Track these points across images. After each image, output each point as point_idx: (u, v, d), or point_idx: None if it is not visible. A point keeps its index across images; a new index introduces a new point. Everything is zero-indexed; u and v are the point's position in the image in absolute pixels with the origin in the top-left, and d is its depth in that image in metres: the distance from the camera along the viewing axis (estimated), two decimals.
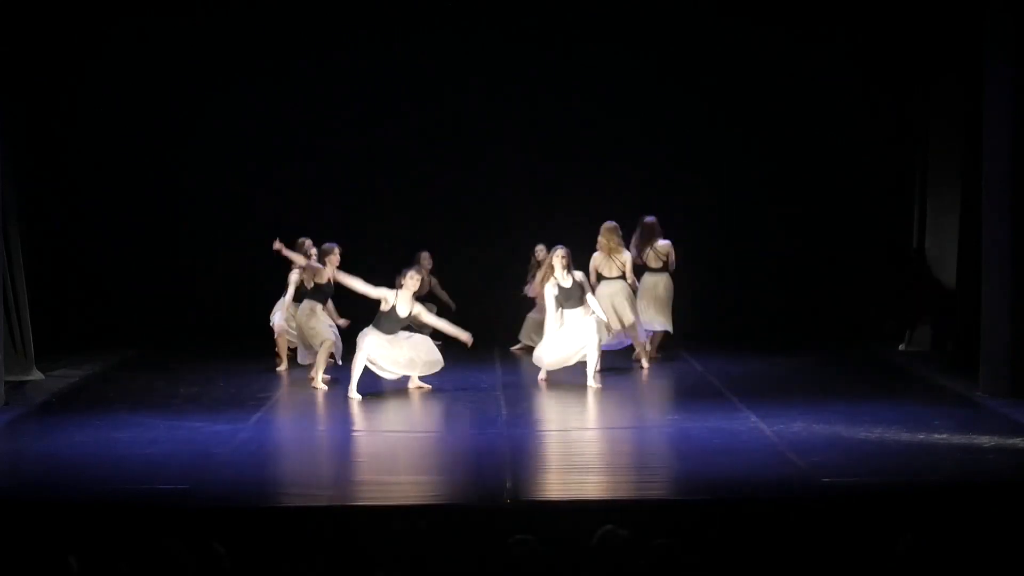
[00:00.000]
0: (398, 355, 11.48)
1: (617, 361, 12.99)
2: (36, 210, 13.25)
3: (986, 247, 11.36)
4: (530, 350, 12.75)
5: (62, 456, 9.20)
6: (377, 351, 11.36)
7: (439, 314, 12.69)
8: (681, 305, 13.22)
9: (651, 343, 13.17)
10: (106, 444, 9.55)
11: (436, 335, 12.14)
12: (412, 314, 11.43)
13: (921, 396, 11.53)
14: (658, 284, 13.08)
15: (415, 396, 11.80)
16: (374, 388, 11.63)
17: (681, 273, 13.20)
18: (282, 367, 12.70)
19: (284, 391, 11.99)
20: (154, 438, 9.74)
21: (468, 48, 14.48)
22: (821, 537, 7.53)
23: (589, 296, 11.92)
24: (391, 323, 11.35)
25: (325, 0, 14.41)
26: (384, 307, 11.33)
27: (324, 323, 11.94)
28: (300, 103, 14.59)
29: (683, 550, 6.58)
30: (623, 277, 12.61)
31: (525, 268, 13.58)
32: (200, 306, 14.48)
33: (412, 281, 11.33)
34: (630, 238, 12.98)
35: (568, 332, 11.81)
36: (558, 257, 11.74)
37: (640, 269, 13.07)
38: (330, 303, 12.24)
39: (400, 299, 11.31)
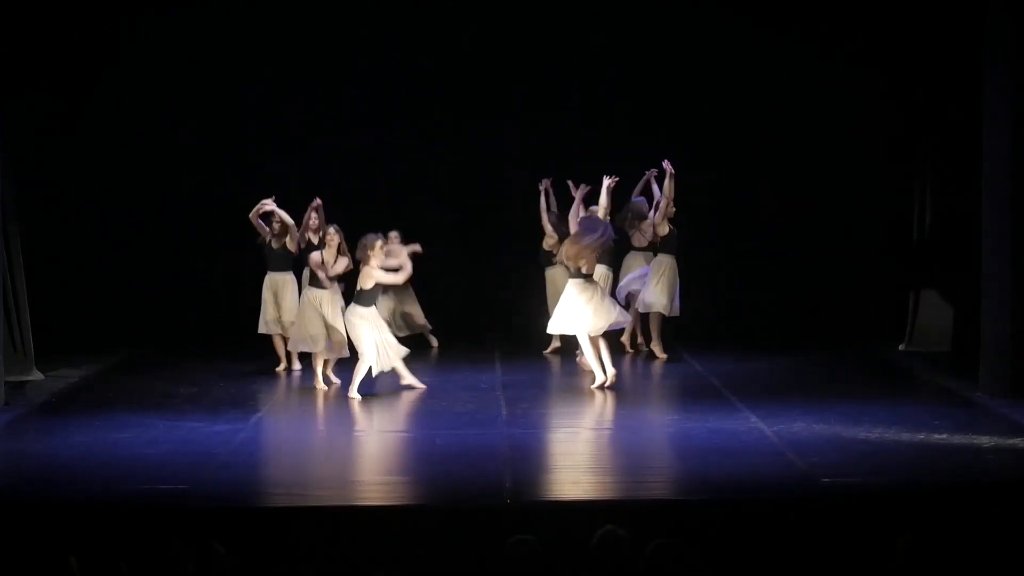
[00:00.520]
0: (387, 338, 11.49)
1: (617, 361, 12.99)
2: (36, 210, 13.23)
3: (986, 247, 11.36)
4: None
5: (62, 456, 9.20)
6: (375, 341, 11.36)
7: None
8: (682, 305, 13.24)
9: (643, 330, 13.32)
10: (106, 444, 9.55)
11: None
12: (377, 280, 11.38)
13: (921, 396, 11.54)
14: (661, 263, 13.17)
15: (415, 396, 11.80)
16: (374, 388, 11.62)
17: (682, 273, 13.22)
18: (281, 367, 12.68)
19: (284, 391, 11.98)
20: (154, 438, 9.74)
21: (467, 45, 14.50)
22: (821, 537, 7.53)
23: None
24: (375, 296, 11.40)
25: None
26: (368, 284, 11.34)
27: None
28: (299, 102, 14.59)
29: (683, 550, 6.58)
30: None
31: (524, 269, 13.58)
32: (200, 306, 14.48)
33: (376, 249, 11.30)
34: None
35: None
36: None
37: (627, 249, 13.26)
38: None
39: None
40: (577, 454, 9.66)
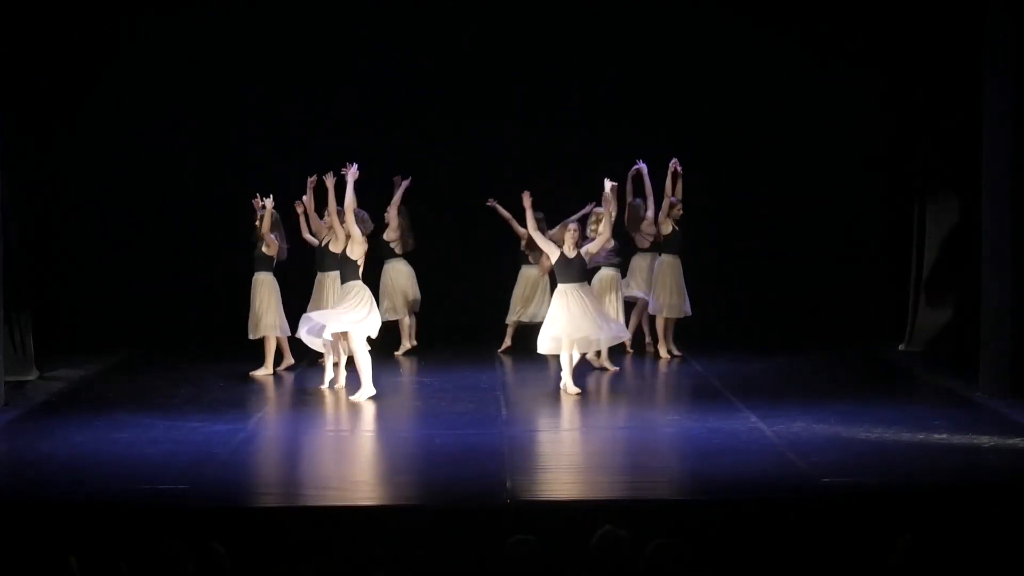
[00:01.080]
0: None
1: (618, 361, 13.02)
2: (36, 210, 13.23)
3: (986, 247, 11.36)
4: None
5: (62, 456, 9.20)
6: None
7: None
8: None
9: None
10: (106, 444, 9.55)
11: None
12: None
13: (921, 396, 11.54)
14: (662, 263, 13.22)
15: (415, 396, 11.81)
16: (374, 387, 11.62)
17: (685, 272, 13.27)
18: (282, 366, 12.67)
19: (284, 392, 11.98)
20: (154, 438, 9.74)
21: (467, 45, 14.49)
22: (821, 537, 7.53)
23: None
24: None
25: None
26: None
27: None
28: (299, 101, 14.58)
29: (683, 550, 6.57)
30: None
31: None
32: (200, 306, 14.47)
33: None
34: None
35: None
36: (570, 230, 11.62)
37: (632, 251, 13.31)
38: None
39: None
40: (577, 454, 9.67)
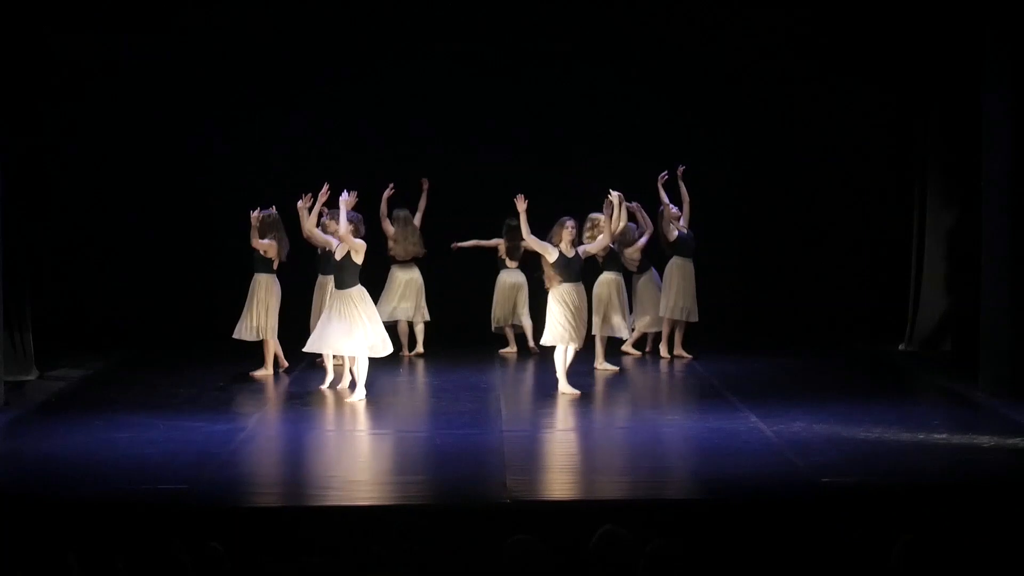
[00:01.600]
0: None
1: (618, 361, 13.03)
2: (36, 210, 13.22)
3: (986, 247, 11.36)
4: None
5: (62, 456, 9.19)
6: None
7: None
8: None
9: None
10: (106, 444, 9.55)
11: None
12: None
13: (921, 396, 11.54)
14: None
15: (415, 396, 11.82)
16: (373, 388, 11.61)
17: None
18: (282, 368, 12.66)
19: (284, 392, 11.98)
20: (154, 438, 9.73)
21: (467, 44, 14.49)
22: (821, 537, 7.53)
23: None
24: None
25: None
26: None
27: None
28: (298, 101, 14.58)
29: (683, 550, 6.56)
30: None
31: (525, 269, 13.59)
32: (200, 306, 14.46)
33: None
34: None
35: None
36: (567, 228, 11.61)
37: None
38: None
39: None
40: (577, 454, 9.67)
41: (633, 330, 13.35)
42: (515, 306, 13.60)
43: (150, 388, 11.97)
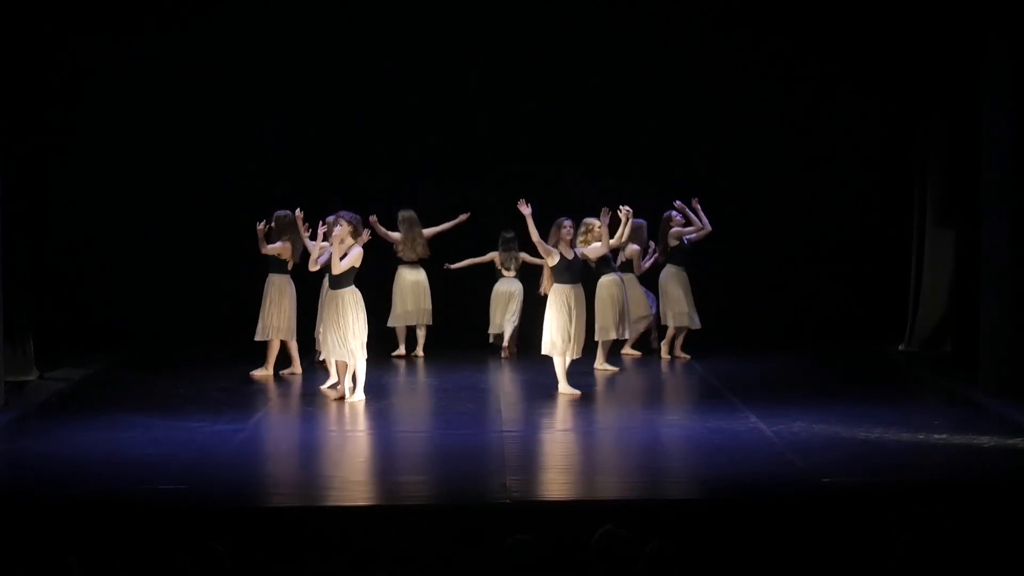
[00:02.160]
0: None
1: (618, 361, 13.04)
2: (36, 210, 13.21)
3: (986, 247, 11.36)
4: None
5: (62, 456, 9.19)
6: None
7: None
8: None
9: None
10: (106, 444, 9.55)
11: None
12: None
13: (921, 396, 11.54)
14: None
15: (415, 396, 11.81)
16: (373, 389, 11.62)
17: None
18: (287, 371, 12.61)
19: (284, 392, 11.97)
20: (154, 438, 9.73)
21: (468, 45, 14.49)
22: (821, 537, 7.53)
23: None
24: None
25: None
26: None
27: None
28: (299, 102, 14.57)
29: (683, 550, 6.56)
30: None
31: (524, 269, 13.59)
32: (200, 306, 14.46)
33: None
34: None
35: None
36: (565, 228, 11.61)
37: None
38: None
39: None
40: (577, 454, 9.66)
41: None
42: (513, 313, 13.57)
43: (150, 388, 11.97)
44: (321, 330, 11.60)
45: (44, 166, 13.75)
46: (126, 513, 7.70)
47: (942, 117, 13.35)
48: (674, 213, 13.27)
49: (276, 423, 10.79)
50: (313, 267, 11.47)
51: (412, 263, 13.45)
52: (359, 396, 11.19)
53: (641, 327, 13.46)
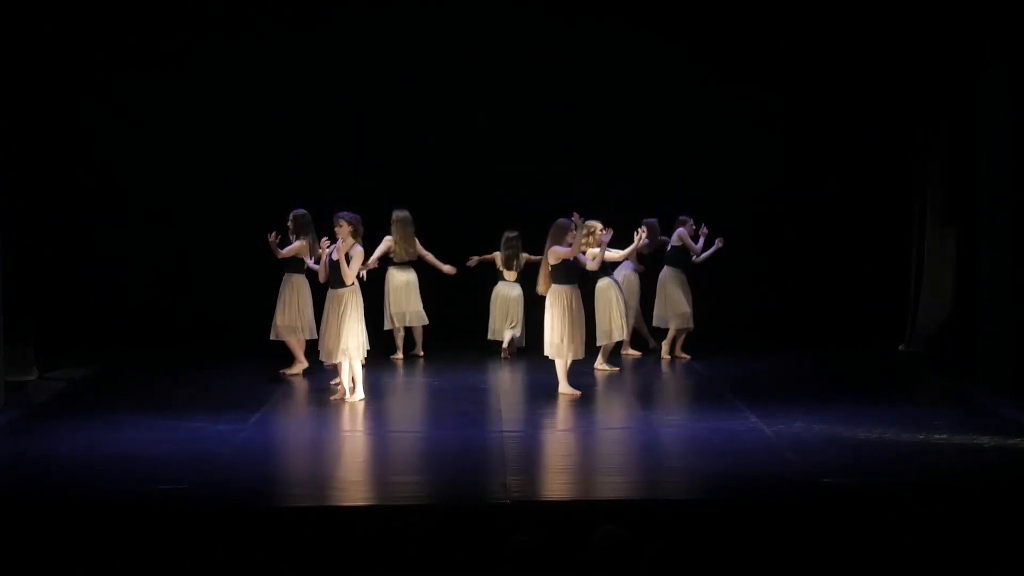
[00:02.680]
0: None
1: (619, 361, 13.04)
2: (37, 210, 13.21)
3: (985, 247, 11.37)
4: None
5: (62, 456, 9.19)
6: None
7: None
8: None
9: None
10: (106, 444, 9.55)
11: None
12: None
13: (921, 396, 11.54)
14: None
15: (414, 396, 11.81)
16: (374, 389, 11.62)
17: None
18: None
19: (284, 392, 11.97)
20: (154, 438, 9.74)
21: (469, 43, 14.50)
22: (821, 537, 7.53)
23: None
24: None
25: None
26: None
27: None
28: (297, 103, 14.55)
29: (683, 550, 6.57)
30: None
31: (524, 270, 13.59)
32: (200, 306, 14.46)
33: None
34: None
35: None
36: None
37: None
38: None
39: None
40: (577, 454, 9.66)
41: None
42: (514, 318, 13.56)
43: (150, 388, 11.98)
44: (321, 330, 11.57)
45: (44, 166, 13.74)
46: (126, 513, 7.70)
47: (942, 118, 13.36)
48: (687, 218, 13.32)
49: (276, 423, 10.78)
50: (323, 278, 11.44)
51: (403, 264, 13.44)
52: (359, 395, 11.20)
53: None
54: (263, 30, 14.37)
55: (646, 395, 12.31)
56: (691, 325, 13.32)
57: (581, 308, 11.55)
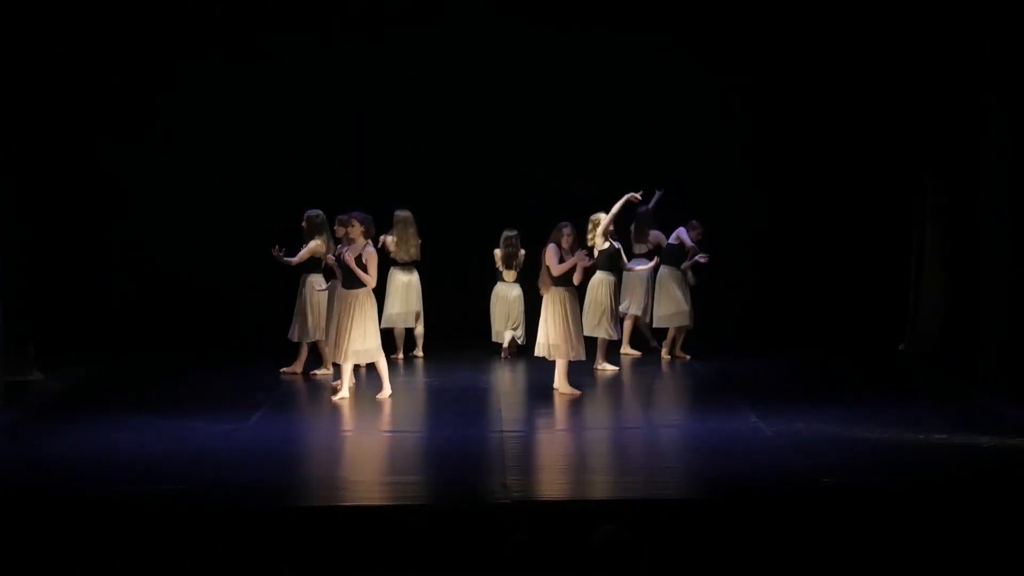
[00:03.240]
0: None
1: (619, 361, 13.04)
2: (37, 210, 13.22)
3: (985, 247, 11.37)
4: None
5: (62, 456, 9.19)
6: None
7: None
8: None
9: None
10: (106, 444, 9.55)
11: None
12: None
13: (921, 396, 11.53)
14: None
15: (414, 396, 11.81)
16: (374, 388, 11.62)
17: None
18: (290, 368, 12.62)
19: (284, 392, 11.97)
20: (154, 438, 9.74)
21: (469, 44, 14.51)
22: (821, 537, 7.53)
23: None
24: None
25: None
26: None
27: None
28: (296, 105, 14.56)
29: (683, 550, 6.57)
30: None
31: (524, 271, 13.60)
32: (201, 306, 14.46)
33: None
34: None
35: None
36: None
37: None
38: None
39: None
40: (576, 454, 9.66)
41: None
42: (515, 320, 13.55)
43: (150, 388, 11.98)
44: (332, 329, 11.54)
45: (44, 166, 13.74)
46: (126, 513, 7.70)
47: (942, 118, 13.35)
48: (697, 224, 13.35)
49: (276, 423, 10.77)
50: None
51: (405, 264, 13.43)
52: (343, 394, 11.22)
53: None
54: (263, 30, 14.36)
55: (646, 395, 12.31)
56: (688, 323, 13.32)
57: (577, 310, 11.55)
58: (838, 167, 14.71)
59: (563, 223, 11.55)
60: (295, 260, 12.22)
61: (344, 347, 11.14)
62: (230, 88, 14.43)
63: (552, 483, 8.75)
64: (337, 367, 11.74)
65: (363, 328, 11.14)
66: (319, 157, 14.53)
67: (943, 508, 7.76)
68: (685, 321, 13.31)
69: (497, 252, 13.53)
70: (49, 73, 13.60)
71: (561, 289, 11.43)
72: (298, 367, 12.50)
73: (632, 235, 13.50)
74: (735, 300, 14.59)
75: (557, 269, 11.33)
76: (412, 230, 13.37)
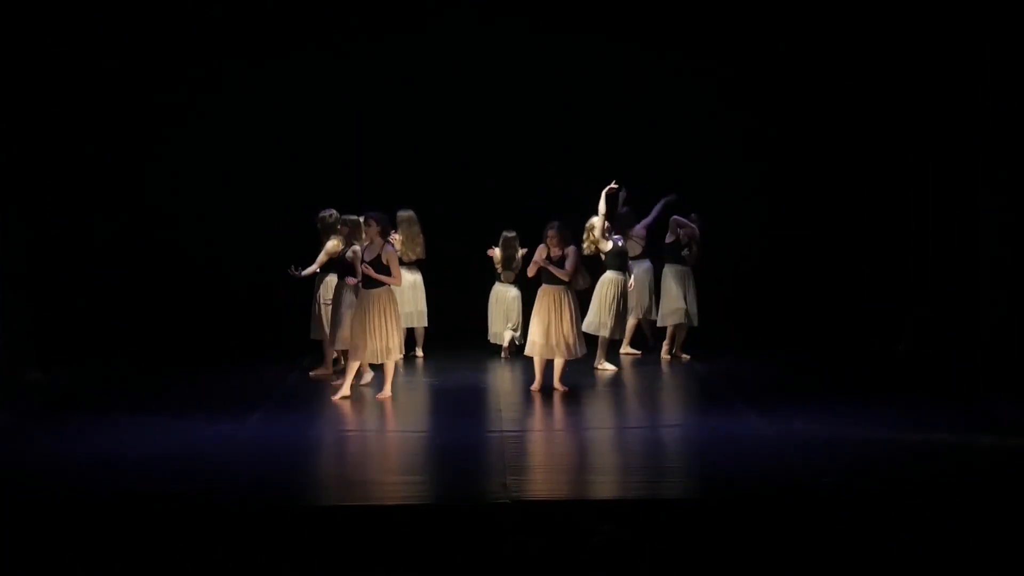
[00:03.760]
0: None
1: (619, 361, 13.04)
2: (36, 210, 13.22)
3: (986, 247, 11.37)
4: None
5: (62, 456, 9.19)
6: None
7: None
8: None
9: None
10: (106, 444, 9.55)
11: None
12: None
13: (921, 396, 11.53)
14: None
15: (414, 396, 11.81)
16: (374, 388, 11.61)
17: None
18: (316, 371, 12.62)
19: (284, 392, 11.98)
20: (154, 438, 9.74)
21: (469, 45, 14.51)
22: (821, 537, 7.53)
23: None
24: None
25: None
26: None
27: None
28: (296, 106, 14.56)
29: (683, 550, 6.57)
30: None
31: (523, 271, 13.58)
32: (200, 306, 14.47)
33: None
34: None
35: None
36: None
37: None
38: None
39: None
40: (576, 454, 9.66)
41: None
42: (507, 320, 13.58)
43: (150, 388, 11.98)
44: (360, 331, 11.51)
45: (44, 166, 13.74)
46: (126, 513, 7.71)
47: (942, 117, 13.35)
48: (695, 218, 13.36)
49: (276, 423, 10.77)
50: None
51: (409, 264, 13.43)
52: (345, 392, 11.22)
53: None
54: (264, 30, 14.36)
55: (646, 395, 12.31)
56: (685, 321, 13.31)
57: (569, 308, 11.54)
58: (838, 167, 14.71)
59: (552, 223, 11.56)
60: (313, 268, 12.17)
61: (379, 345, 11.12)
62: (230, 88, 14.43)
63: (552, 483, 8.75)
64: (337, 366, 11.74)
65: (392, 326, 11.17)
66: (319, 157, 14.54)
67: (943, 508, 7.76)
68: (683, 319, 13.31)
69: (496, 252, 13.54)
70: (50, 73, 13.59)
71: (550, 287, 11.47)
72: (328, 368, 12.45)
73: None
74: (734, 300, 14.59)
75: (530, 271, 11.56)
76: (417, 228, 13.37)
